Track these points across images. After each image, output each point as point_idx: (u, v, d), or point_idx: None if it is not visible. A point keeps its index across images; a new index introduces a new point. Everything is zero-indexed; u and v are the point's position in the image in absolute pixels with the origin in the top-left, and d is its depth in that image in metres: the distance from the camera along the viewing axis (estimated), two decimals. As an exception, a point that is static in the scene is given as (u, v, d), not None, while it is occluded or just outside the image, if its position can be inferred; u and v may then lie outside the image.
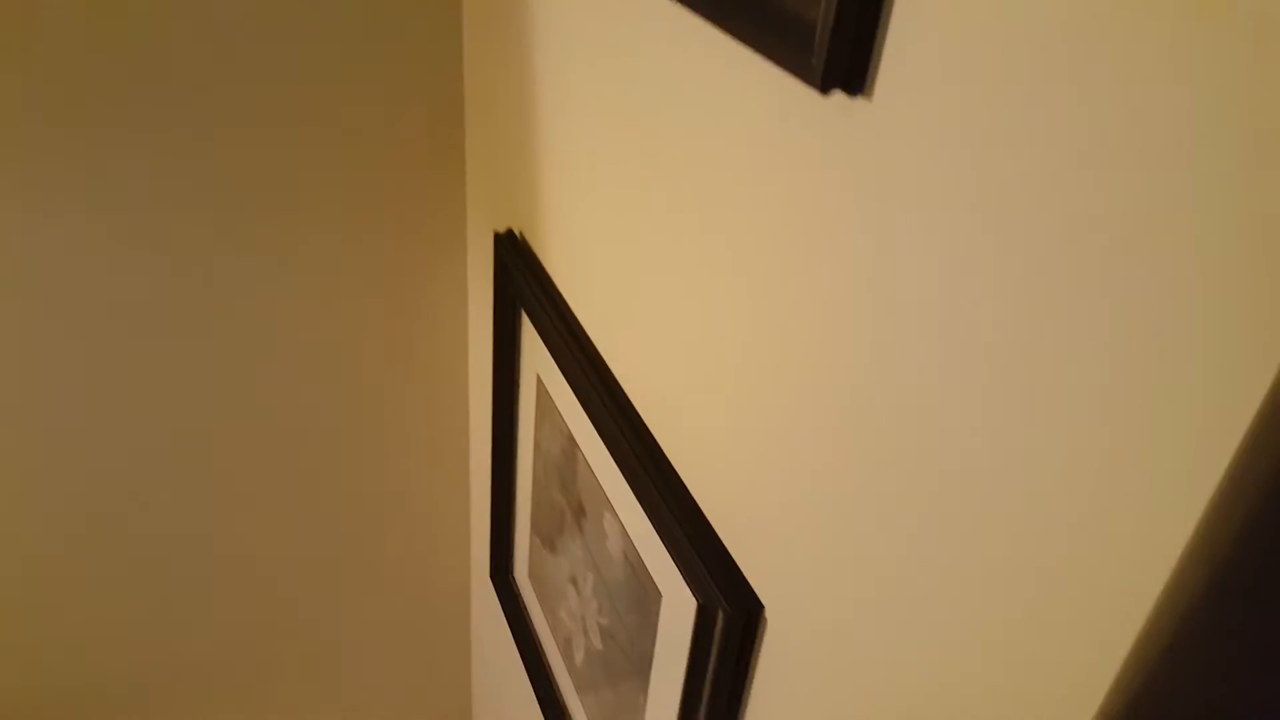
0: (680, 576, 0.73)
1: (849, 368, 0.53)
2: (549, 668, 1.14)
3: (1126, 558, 0.38)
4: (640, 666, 0.85)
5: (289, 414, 1.26)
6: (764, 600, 0.67)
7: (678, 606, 0.75)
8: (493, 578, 1.29)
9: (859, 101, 0.46)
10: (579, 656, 1.03)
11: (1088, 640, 0.40)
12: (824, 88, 0.45)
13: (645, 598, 0.81)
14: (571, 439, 0.92)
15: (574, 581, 0.99)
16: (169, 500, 1.26)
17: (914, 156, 0.44)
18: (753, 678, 0.71)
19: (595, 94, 0.77)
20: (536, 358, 0.98)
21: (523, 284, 0.96)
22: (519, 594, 1.23)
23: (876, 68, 0.45)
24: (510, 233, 1.02)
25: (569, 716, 1.09)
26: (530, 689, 1.25)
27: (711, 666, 0.71)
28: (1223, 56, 0.31)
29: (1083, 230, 0.37)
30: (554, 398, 0.95)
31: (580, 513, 0.93)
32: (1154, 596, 0.37)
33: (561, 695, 1.11)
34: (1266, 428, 0.30)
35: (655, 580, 0.79)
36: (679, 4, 0.59)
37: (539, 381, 0.99)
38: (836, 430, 0.55)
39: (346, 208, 1.14)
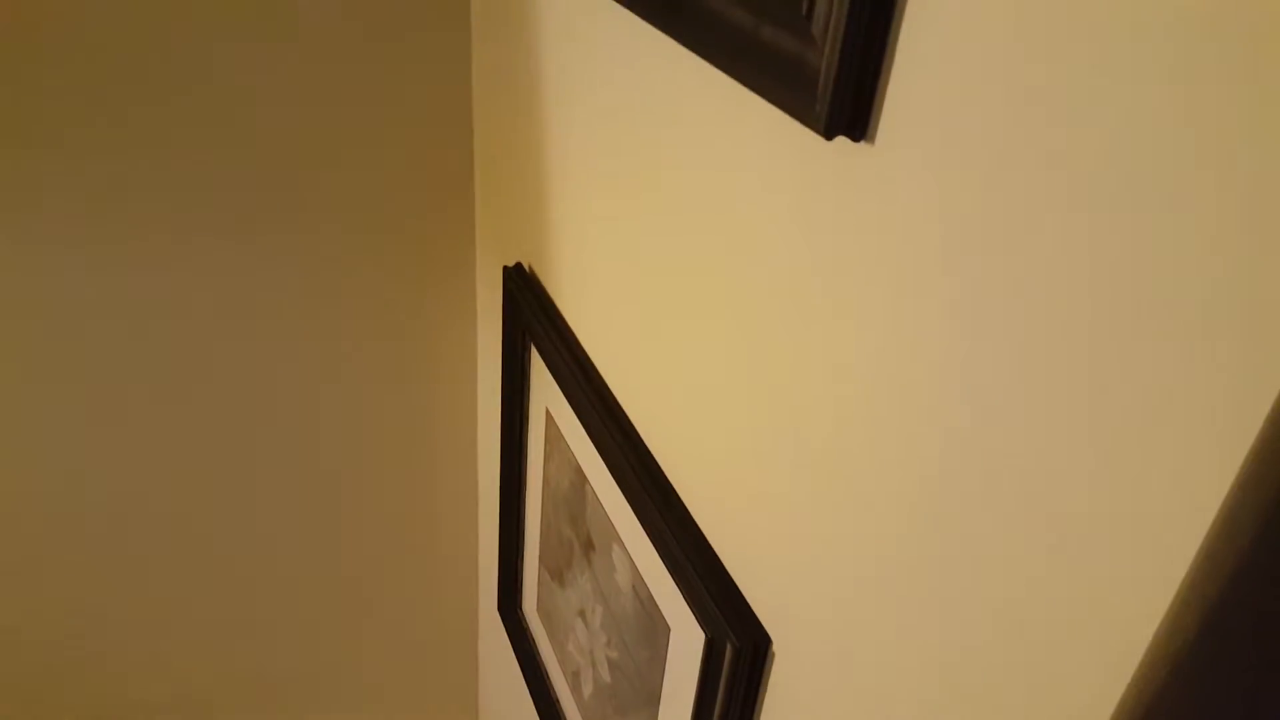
0: (689, 610, 0.73)
1: (855, 406, 0.53)
2: (557, 701, 1.14)
3: (1135, 591, 0.39)
4: (648, 699, 0.86)
5: (296, 444, 1.27)
6: (771, 634, 0.67)
7: (686, 639, 0.76)
8: (500, 610, 1.30)
9: (862, 146, 0.48)
10: (587, 689, 1.03)
11: (1095, 679, 0.41)
12: (828, 134, 0.46)
13: (654, 631, 0.82)
14: (580, 473, 0.92)
15: (582, 614, 1.00)
16: (172, 530, 1.27)
17: (917, 200, 0.46)
18: (760, 711, 0.71)
19: (602, 131, 0.78)
20: (545, 391, 0.99)
21: (531, 317, 0.97)
22: (527, 627, 1.23)
23: (879, 113, 0.46)
24: (519, 266, 1.04)
25: (577, 749, 1.09)
26: (538, 722, 1.25)
27: (719, 699, 0.71)
28: (1227, 92, 0.32)
29: (1091, 268, 0.38)
30: (563, 431, 0.96)
31: (589, 546, 0.94)
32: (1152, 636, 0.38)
33: (570, 728, 1.11)
34: (1261, 465, 0.31)
35: (664, 613, 0.79)
36: (686, 48, 0.60)
37: (548, 415, 1.00)
38: (843, 465, 0.56)
39: (354, 241, 1.15)
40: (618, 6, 0.70)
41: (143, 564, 1.27)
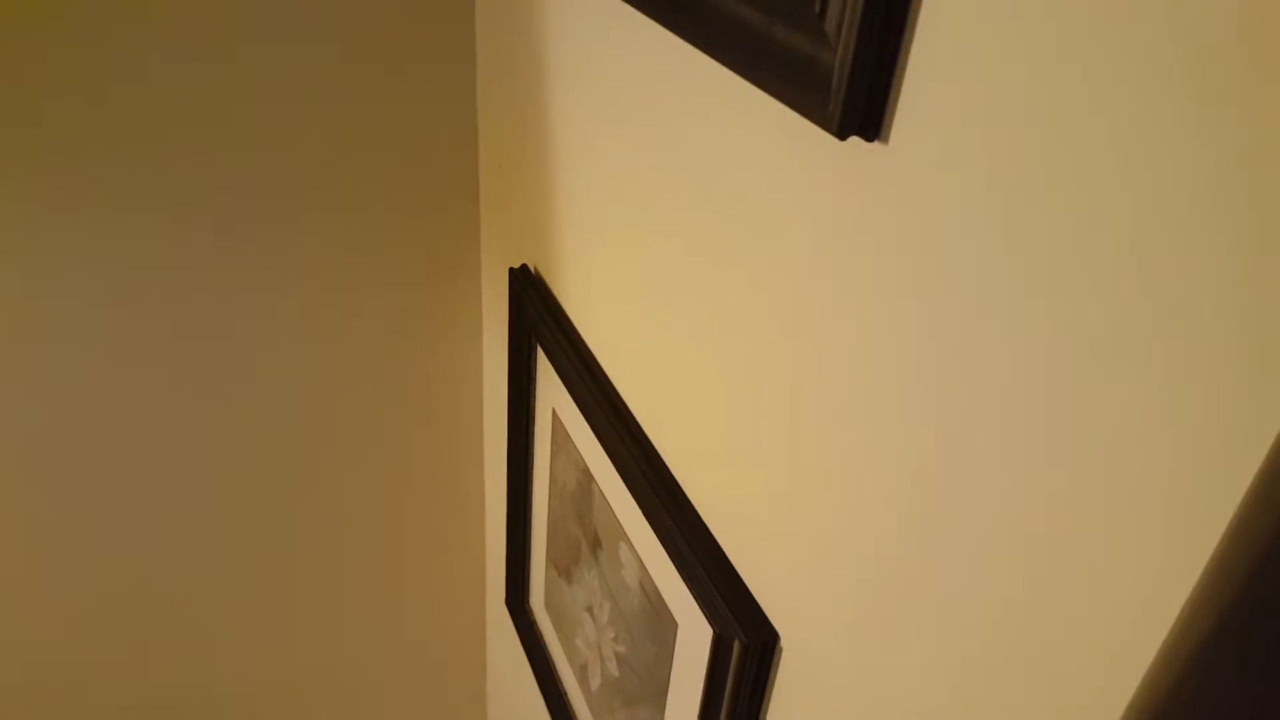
0: (696, 606, 0.72)
1: (860, 405, 0.52)
2: (565, 695, 1.13)
3: (1144, 591, 0.38)
4: (656, 694, 0.85)
5: (304, 446, 1.26)
6: (779, 630, 0.66)
7: (694, 635, 0.75)
8: (508, 605, 1.29)
9: (876, 146, 0.47)
10: (595, 684, 1.02)
11: (1103, 679, 0.40)
12: (841, 134, 0.45)
13: (661, 626, 0.81)
14: (587, 471, 0.91)
15: (590, 610, 0.99)
16: (176, 530, 1.26)
17: (930, 201, 0.45)
18: (768, 706, 0.71)
19: (608, 131, 0.77)
20: (552, 391, 0.98)
21: (537, 319, 0.96)
22: (534, 621, 1.22)
23: (893, 112, 0.45)
24: (524, 268, 1.03)
25: (584, 743, 1.08)
26: (547, 716, 1.24)
27: (727, 695, 0.70)
28: (1246, 95, 0.31)
29: (1107, 276, 0.37)
30: (569, 431, 0.95)
31: (596, 543, 0.93)
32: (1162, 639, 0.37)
33: (577, 721, 1.10)
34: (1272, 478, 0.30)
35: (671, 609, 0.78)
36: (696, 48, 0.59)
37: (554, 415, 0.99)
38: (848, 463, 0.55)
39: (359, 243, 1.14)
40: (625, 5, 0.69)
41: (146, 565, 1.26)
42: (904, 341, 0.48)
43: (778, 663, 0.68)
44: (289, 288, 1.13)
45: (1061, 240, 0.38)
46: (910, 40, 0.43)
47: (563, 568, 1.06)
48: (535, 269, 1.01)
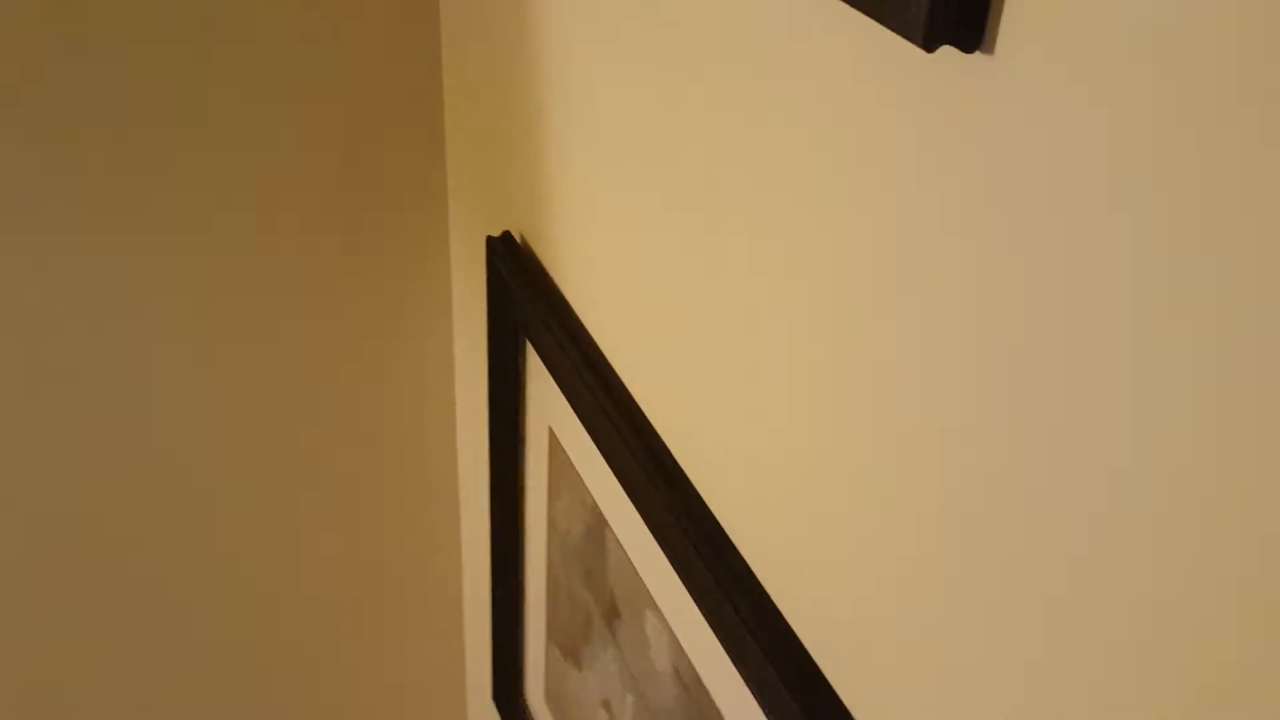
0: (753, 700, 0.72)
1: (961, 417, 0.52)
2: (577, 821, 1.14)
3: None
4: (700, 820, 0.85)
5: (219, 483, 1.27)
6: (868, 731, 0.66)
7: (749, 738, 0.75)
8: (496, 700, 1.29)
9: (977, 59, 0.46)
10: (617, 806, 1.03)
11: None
12: (927, 44, 0.45)
13: (705, 727, 0.81)
14: (598, 513, 0.92)
15: (607, 705, 0.99)
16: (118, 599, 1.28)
17: (1055, 133, 0.44)
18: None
19: (615, 43, 0.77)
20: (548, 404, 0.98)
21: (527, 305, 0.96)
22: (533, 720, 1.23)
23: (1000, 10, 0.45)
24: (507, 236, 1.03)
25: None
26: None
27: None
28: None
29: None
30: (573, 458, 0.95)
31: (613, 613, 0.93)
32: None
33: None
34: None
35: (717, 702, 0.79)
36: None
37: (551, 436, 0.99)
38: (974, 503, 0.54)
39: (272, 203, 1.15)
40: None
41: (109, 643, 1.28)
42: (1024, 322, 0.48)
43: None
44: (176, 254, 1.14)
45: (1221, 188, 0.38)
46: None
47: (569, 648, 1.07)
48: (522, 237, 1.02)
